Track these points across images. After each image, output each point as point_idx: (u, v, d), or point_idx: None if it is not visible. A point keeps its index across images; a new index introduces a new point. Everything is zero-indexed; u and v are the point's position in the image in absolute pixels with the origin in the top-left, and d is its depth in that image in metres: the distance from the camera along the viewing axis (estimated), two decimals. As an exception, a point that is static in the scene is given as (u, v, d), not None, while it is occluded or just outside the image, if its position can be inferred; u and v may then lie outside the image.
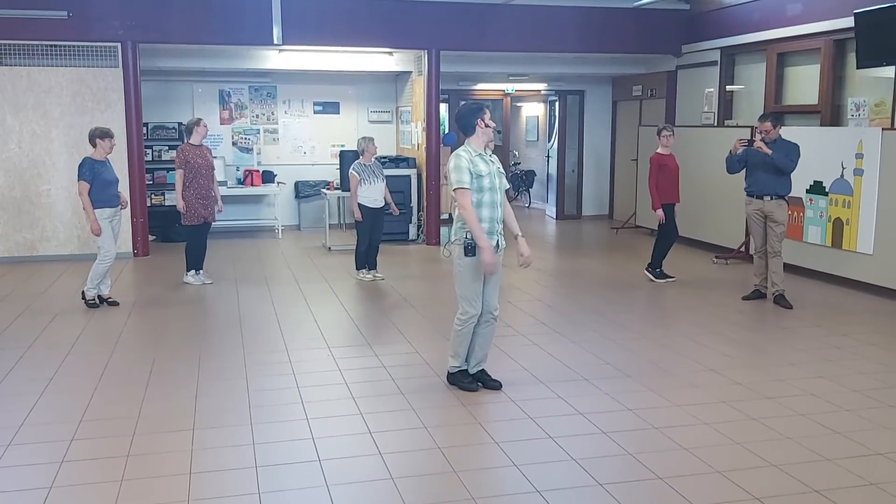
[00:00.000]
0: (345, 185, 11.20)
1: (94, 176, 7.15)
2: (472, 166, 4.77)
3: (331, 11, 10.26)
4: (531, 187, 16.17)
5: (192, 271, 8.47)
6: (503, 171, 5.02)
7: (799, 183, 8.14)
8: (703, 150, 10.34)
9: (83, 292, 7.42)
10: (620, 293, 8.04)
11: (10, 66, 9.61)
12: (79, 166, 7.22)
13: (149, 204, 10.77)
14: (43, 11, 9.32)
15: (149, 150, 11.36)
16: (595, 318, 7.04)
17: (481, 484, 3.76)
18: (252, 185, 11.99)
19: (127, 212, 9.56)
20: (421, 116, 11.18)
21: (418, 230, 11.49)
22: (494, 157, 5.01)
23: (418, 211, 11.45)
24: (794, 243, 8.58)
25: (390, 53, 11.46)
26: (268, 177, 12.21)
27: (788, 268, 7.95)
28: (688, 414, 4.66)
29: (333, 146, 12.70)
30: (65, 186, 9.54)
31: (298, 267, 9.47)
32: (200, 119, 8.45)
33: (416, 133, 11.55)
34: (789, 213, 7.71)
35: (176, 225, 11.63)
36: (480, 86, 13.59)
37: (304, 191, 12.67)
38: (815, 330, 6.58)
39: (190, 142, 8.29)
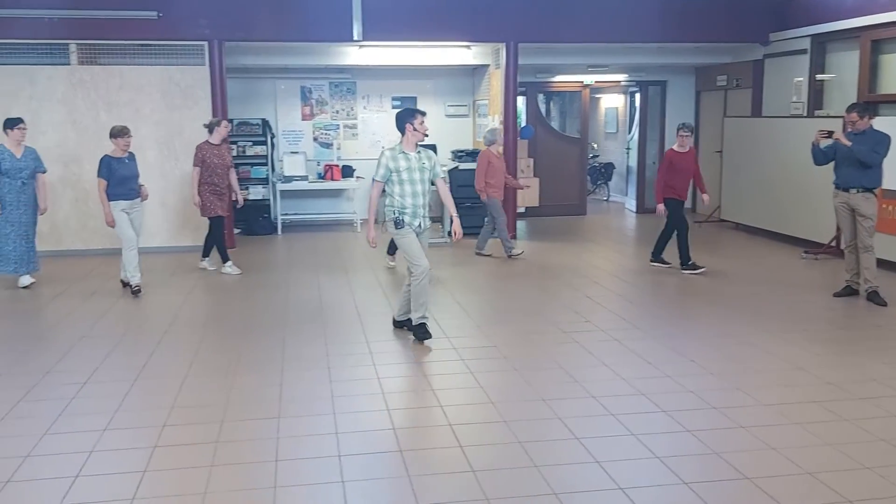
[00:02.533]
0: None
1: (110, 173, 7.63)
2: (391, 163, 5.82)
3: (410, 6, 10.32)
4: (610, 180, 15.94)
5: (207, 259, 8.96)
6: (427, 167, 5.88)
7: (894, 175, 7.79)
8: (791, 141, 9.99)
9: (129, 285, 7.84)
10: (703, 288, 7.85)
11: (105, 64, 10.01)
12: (98, 163, 7.73)
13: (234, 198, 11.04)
14: (135, 12, 9.67)
15: (233, 146, 11.63)
16: (677, 313, 6.90)
17: (562, 479, 3.74)
18: (332, 179, 12.18)
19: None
20: (498, 110, 11.15)
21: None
22: (424, 154, 5.92)
23: (495, 204, 11.40)
24: (890, 238, 8.21)
25: (468, 47, 11.46)
26: (347, 171, 12.39)
27: (883, 263, 7.63)
28: (777, 413, 4.52)
29: (411, 140, 12.77)
30: (155, 181, 9.86)
31: (376, 258, 9.57)
32: (222, 120, 8.82)
33: (493, 126, 11.51)
34: (884, 206, 7.38)
35: (259, 218, 11.96)
36: (559, 77, 13.45)
37: (383, 185, 12.77)
38: (912, 328, 6.30)
39: (209, 140, 8.59)
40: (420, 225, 5.97)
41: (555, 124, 16.11)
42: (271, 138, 12.27)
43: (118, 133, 7.72)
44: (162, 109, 10.12)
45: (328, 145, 12.72)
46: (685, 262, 8.60)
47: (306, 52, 11.30)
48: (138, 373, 5.40)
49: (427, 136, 5.96)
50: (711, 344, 5.92)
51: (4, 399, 4.88)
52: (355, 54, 11.33)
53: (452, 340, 6.10)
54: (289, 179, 11.93)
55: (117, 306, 7.37)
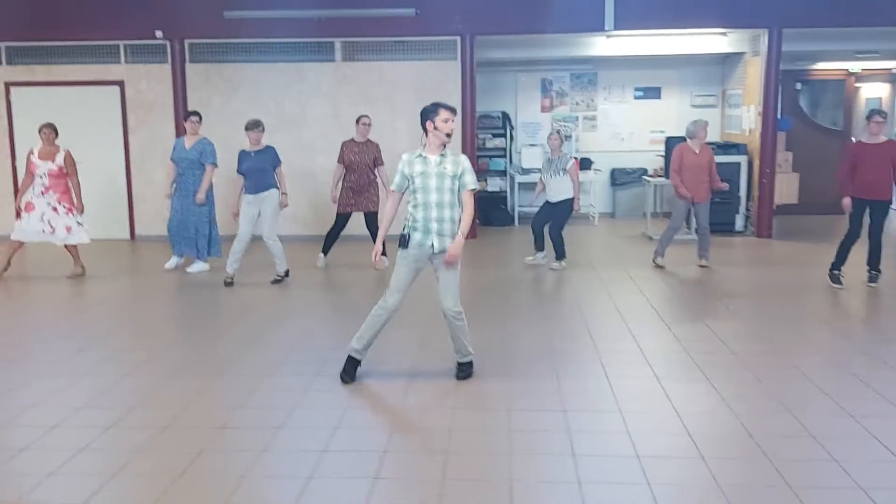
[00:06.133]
0: (667, 172, 10.90)
1: (238, 165, 7.85)
2: (406, 168, 4.91)
3: (664, -7, 9.98)
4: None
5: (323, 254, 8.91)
6: (448, 173, 4.84)
7: None
8: None
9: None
10: None
11: (364, 61, 10.65)
12: None
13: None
14: (395, 10, 10.19)
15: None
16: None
17: (797, 474, 3.68)
18: (571, 171, 12.11)
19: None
20: (756, 100, 10.47)
21: (746, 221, 10.81)
22: (449, 159, 4.88)
23: (747, 200, 10.75)
24: None
25: (724, 34, 10.85)
26: (585, 164, 12.26)
27: None
28: None
29: (653, 132, 12.41)
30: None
31: (622, 254, 9.41)
32: (361, 116, 8.85)
33: (747, 118, 10.85)
34: None
35: (497, 209, 12.20)
36: (819, 65, 12.37)
37: (620, 178, 12.54)
38: None
39: (354, 138, 8.80)
40: (433, 245, 4.87)
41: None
42: (510, 131, 12.46)
43: (249, 126, 7.84)
44: (414, 103, 10.56)
45: (567, 137, 12.66)
46: (834, 266, 7.61)
47: (550, 43, 11.30)
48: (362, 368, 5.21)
49: (450, 136, 4.85)
50: None
51: (242, 387, 5.15)
52: (600, 45, 11.14)
53: (728, 344, 5.84)
54: (526, 171, 12.05)
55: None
